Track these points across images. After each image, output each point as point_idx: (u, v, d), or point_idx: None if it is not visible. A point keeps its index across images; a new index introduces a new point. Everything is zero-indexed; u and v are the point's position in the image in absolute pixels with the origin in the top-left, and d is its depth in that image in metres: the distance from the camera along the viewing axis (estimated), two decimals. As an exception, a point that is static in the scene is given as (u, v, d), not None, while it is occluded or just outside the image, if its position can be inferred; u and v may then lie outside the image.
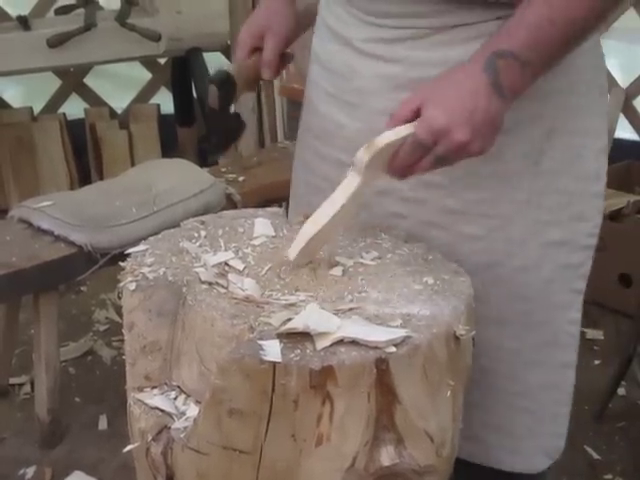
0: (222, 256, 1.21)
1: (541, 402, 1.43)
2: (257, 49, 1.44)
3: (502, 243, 1.33)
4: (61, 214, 2.31)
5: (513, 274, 1.34)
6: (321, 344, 1.01)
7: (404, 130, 1.16)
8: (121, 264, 1.20)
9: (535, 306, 1.37)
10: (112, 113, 3.85)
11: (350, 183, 1.19)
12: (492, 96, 1.14)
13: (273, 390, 1.00)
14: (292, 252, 1.20)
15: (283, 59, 1.45)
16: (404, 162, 1.16)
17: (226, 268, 1.19)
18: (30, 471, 2.28)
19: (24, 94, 3.94)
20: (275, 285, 1.17)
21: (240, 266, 1.20)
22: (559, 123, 1.30)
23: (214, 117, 1.44)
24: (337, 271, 1.20)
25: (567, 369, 1.44)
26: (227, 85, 1.42)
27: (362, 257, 1.24)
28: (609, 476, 2.36)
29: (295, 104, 1.76)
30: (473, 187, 1.31)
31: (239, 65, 1.45)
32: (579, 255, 1.37)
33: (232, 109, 1.47)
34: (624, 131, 3.74)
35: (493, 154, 1.22)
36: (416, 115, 1.15)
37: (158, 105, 3.88)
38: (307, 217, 1.25)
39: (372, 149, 1.16)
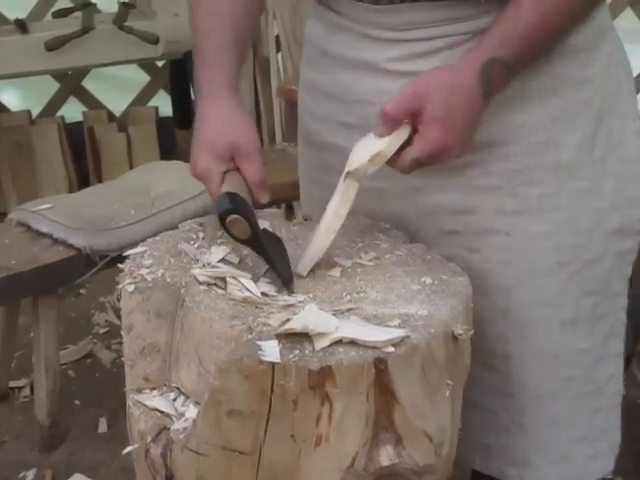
0: (219, 252, 1.21)
1: (607, 396, 1.39)
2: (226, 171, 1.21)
3: (572, 237, 1.28)
4: (60, 217, 2.31)
5: (584, 268, 1.29)
6: (320, 344, 1.02)
7: (403, 135, 1.15)
8: (120, 266, 1.20)
9: (600, 298, 1.33)
10: (110, 116, 3.85)
11: (350, 191, 1.19)
12: (483, 107, 1.16)
13: (272, 391, 1.00)
14: (304, 270, 1.19)
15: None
16: (401, 171, 1.17)
17: (224, 270, 1.19)
18: (30, 474, 2.28)
19: (22, 97, 3.94)
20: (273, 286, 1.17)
21: (235, 260, 1.20)
22: (604, 107, 1.27)
23: (259, 246, 1.18)
24: (335, 272, 1.20)
25: (620, 357, 1.40)
26: (243, 205, 1.17)
27: (360, 258, 1.24)
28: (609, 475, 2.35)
29: (293, 105, 1.71)
30: (533, 182, 1.26)
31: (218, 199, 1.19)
32: (632, 241, 1.34)
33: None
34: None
35: (552, 144, 1.23)
36: (411, 115, 1.14)
37: (156, 108, 3.88)
38: (306, 219, 1.25)
39: (377, 161, 1.16)
